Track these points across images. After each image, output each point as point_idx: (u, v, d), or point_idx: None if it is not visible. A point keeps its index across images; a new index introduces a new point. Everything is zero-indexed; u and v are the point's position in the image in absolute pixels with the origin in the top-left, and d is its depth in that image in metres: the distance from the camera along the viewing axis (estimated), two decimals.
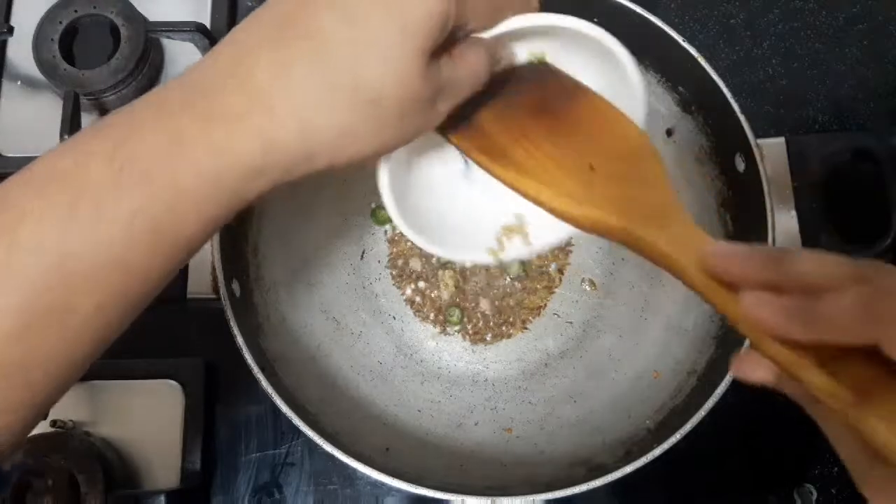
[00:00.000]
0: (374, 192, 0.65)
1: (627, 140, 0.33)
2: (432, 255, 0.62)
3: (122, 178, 0.28)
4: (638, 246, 0.29)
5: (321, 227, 0.62)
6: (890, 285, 0.25)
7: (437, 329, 0.61)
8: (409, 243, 0.62)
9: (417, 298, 0.61)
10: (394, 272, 0.62)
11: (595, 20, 0.59)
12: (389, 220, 0.62)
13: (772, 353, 0.26)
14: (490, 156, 0.32)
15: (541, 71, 0.33)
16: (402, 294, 0.61)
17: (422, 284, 0.61)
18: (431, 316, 0.61)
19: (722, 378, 0.48)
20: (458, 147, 0.36)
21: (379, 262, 0.62)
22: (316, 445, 0.47)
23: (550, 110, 0.33)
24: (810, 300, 0.25)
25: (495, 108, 0.33)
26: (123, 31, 0.65)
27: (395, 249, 0.62)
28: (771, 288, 0.26)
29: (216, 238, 0.51)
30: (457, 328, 0.61)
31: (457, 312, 0.60)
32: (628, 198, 0.29)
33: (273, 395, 0.48)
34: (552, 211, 0.31)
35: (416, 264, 0.61)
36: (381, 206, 0.63)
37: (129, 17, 0.65)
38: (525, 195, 0.31)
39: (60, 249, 0.28)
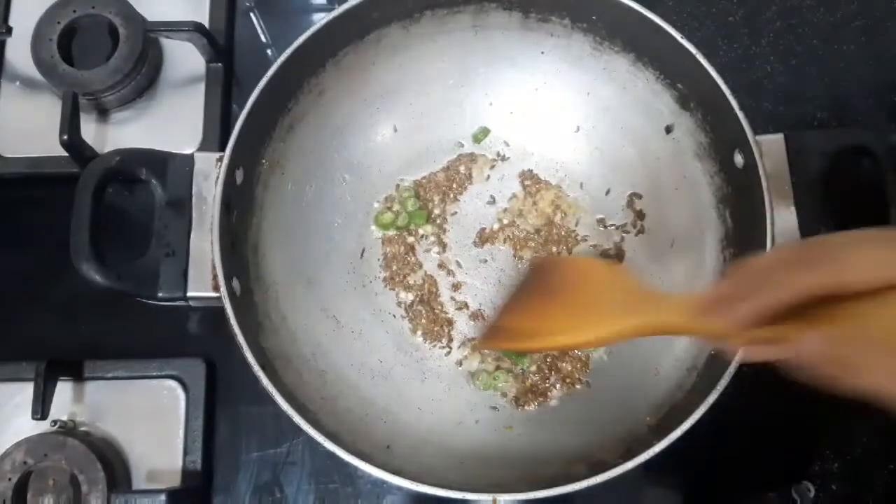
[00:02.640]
0: (373, 192, 0.65)
1: (604, 273, 0.42)
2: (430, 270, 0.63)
3: None
4: (652, 331, 0.37)
5: (321, 226, 0.62)
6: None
7: (435, 344, 0.60)
8: (402, 247, 0.63)
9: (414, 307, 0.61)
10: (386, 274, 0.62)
11: (594, 17, 0.60)
12: (391, 225, 0.62)
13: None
14: (518, 341, 0.42)
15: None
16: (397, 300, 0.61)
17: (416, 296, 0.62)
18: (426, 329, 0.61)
19: (721, 375, 0.48)
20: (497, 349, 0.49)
21: (378, 260, 0.62)
22: (317, 444, 0.47)
23: (546, 288, 0.43)
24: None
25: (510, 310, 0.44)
26: (122, 31, 0.65)
27: (388, 249, 0.62)
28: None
29: (216, 237, 0.51)
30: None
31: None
32: (626, 306, 0.37)
33: (274, 394, 0.48)
34: (577, 346, 0.42)
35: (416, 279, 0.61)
36: (384, 210, 0.63)
37: (127, 17, 0.66)
38: (555, 348, 0.43)
39: None
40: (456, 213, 0.63)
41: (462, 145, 0.65)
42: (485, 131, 0.64)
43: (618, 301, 0.38)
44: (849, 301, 0.31)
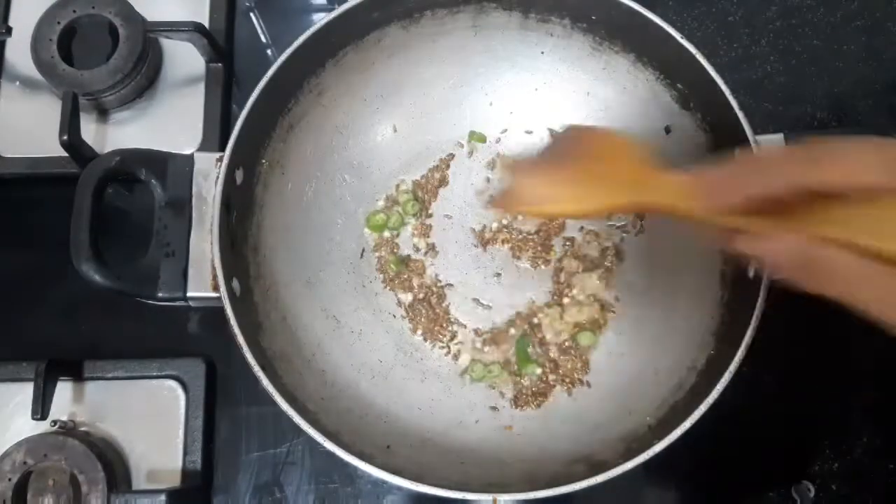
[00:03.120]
0: (373, 192, 0.65)
1: (616, 147, 0.42)
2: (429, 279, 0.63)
3: None
4: (638, 209, 0.41)
5: (321, 226, 0.62)
6: None
7: (435, 344, 0.60)
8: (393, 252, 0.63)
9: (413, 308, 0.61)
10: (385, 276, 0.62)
11: (594, 17, 0.60)
12: (384, 227, 0.62)
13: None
14: (523, 204, 0.42)
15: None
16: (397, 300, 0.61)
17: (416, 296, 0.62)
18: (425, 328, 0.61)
19: (722, 374, 0.48)
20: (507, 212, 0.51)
21: (377, 261, 0.62)
22: (317, 444, 0.47)
23: (562, 156, 0.44)
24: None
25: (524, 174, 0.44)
26: (122, 32, 0.65)
27: (381, 253, 0.62)
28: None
29: (216, 237, 0.51)
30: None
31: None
32: (624, 182, 0.38)
33: (274, 394, 0.48)
34: (580, 215, 0.43)
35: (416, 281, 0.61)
36: (375, 212, 0.63)
37: (127, 17, 0.66)
38: (556, 215, 0.44)
39: None
40: (455, 212, 0.63)
41: (462, 145, 0.65)
42: (481, 137, 0.64)
43: (623, 175, 0.39)
44: (834, 206, 0.32)
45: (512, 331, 0.60)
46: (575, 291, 0.61)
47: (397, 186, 0.64)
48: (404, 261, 0.61)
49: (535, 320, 0.60)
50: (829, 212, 0.32)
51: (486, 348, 0.60)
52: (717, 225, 0.34)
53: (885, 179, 0.30)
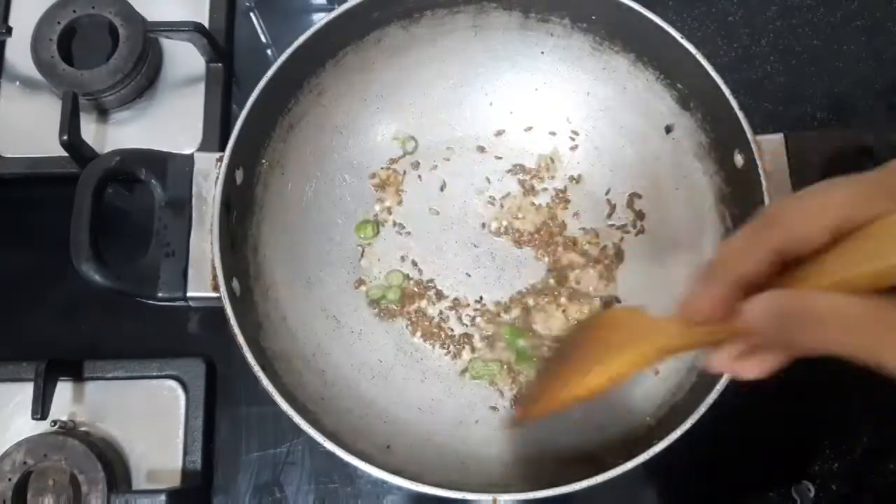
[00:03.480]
0: (373, 192, 0.65)
1: (614, 318, 0.42)
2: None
3: None
4: (649, 361, 0.37)
5: (321, 226, 0.62)
6: None
7: (435, 344, 0.60)
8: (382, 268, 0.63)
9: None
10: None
11: (594, 17, 0.60)
12: (371, 236, 0.62)
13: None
14: (545, 402, 0.42)
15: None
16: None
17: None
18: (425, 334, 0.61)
19: (722, 374, 0.48)
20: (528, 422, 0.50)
21: (379, 260, 0.62)
22: (317, 444, 0.47)
23: (565, 351, 0.45)
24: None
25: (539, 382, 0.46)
26: (122, 32, 0.65)
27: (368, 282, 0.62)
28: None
29: (216, 237, 0.51)
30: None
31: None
32: (637, 341, 0.38)
33: (274, 394, 0.48)
34: (595, 387, 0.39)
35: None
36: (365, 221, 0.62)
37: (127, 17, 0.66)
38: (576, 396, 0.40)
39: None
40: (455, 212, 0.63)
41: (462, 145, 0.65)
42: (481, 137, 0.65)
43: (627, 336, 0.38)
44: (809, 262, 0.30)
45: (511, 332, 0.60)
46: (575, 286, 0.60)
47: (397, 187, 0.64)
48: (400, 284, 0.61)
49: (534, 318, 0.60)
50: (810, 264, 0.30)
51: (486, 346, 0.59)
52: (726, 337, 0.33)
53: (836, 225, 0.28)
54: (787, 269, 0.30)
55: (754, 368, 0.32)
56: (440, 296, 0.61)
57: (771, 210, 0.31)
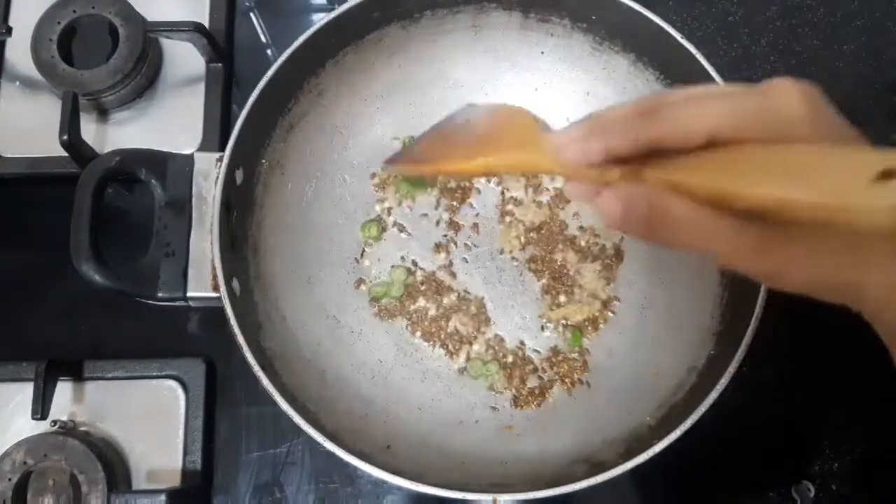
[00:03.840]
0: (373, 192, 0.65)
1: (514, 118, 0.44)
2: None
3: None
4: (517, 168, 0.40)
5: (321, 226, 0.62)
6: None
7: (435, 344, 0.60)
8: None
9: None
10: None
11: (594, 17, 0.60)
12: (375, 236, 0.62)
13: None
14: (419, 166, 0.44)
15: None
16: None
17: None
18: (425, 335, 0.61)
19: (722, 374, 0.48)
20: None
21: (379, 260, 0.62)
22: (317, 444, 0.47)
23: (455, 128, 0.46)
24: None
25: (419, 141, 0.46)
26: (122, 32, 0.65)
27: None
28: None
29: (216, 237, 0.51)
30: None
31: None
32: (507, 146, 0.41)
33: (274, 394, 0.48)
34: (466, 173, 0.43)
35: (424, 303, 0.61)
36: (370, 221, 0.62)
37: (127, 17, 0.66)
38: (443, 172, 0.43)
39: None
40: (454, 212, 0.63)
41: None
42: None
43: (510, 139, 0.41)
44: (688, 156, 0.32)
45: (510, 333, 0.60)
46: (575, 289, 0.61)
47: (396, 188, 0.64)
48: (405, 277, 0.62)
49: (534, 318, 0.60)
50: (681, 160, 0.32)
51: (484, 346, 0.59)
52: (583, 178, 0.35)
53: (729, 129, 0.30)
54: (652, 153, 0.33)
55: (609, 203, 0.34)
56: (440, 295, 0.61)
57: (657, 101, 0.32)
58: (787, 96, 0.30)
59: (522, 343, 0.60)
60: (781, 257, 0.31)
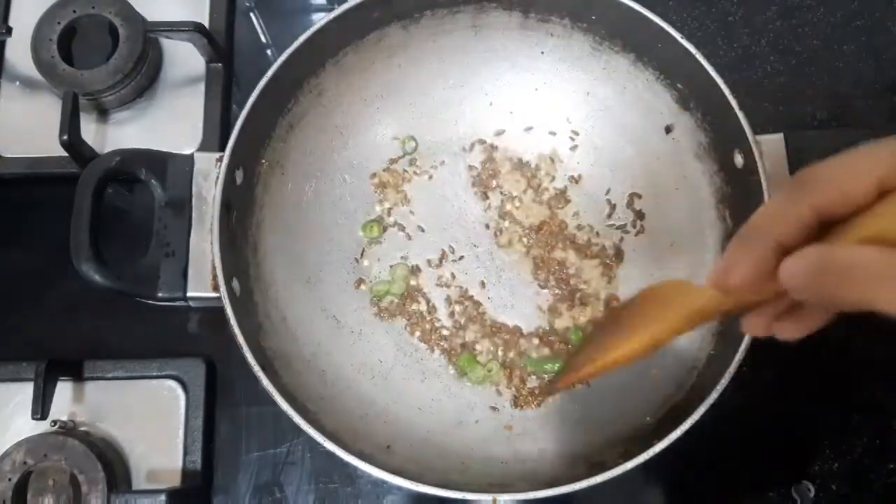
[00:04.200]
0: (373, 192, 0.65)
1: (662, 290, 0.41)
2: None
3: None
4: (684, 326, 0.37)
5: (321, 226, 0.62)
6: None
7: (434, 345, 0.60)
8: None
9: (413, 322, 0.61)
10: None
11: (594, 17, 0.60)
12: (377, 236, 0.62)
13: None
14: (580, 374, 0.43)
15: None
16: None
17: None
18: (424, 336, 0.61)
19: (722, 374, 0.48)
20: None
21: (379, 260, 0.62)
22: (317, 444, 0.47)
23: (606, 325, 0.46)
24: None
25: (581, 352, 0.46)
26: (122, 32, 0.65)
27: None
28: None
29: (216, 237, 0.51)
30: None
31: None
32: (664, 313, 0.38)
33: (274, 394, 0.48)
34: (629, 354, 0.39)
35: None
36: (371, 221, 0.62)
37: (127, 17, 0.66)
38: (612, 364, 0.40)
39: None
40: (454, 212, 0.63)
41: (462, 145, 0.65)
42: (481, 139, 0.65)
43: (666, 303, 0.38)
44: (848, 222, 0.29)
45: (509, 332, 0.60)
46: (576, 284, 0.61)
47: (397, 188, 0.64)
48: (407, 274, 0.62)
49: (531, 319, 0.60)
50: (860, 219, 0.29)
51: (484, 346, 0.59)
52: (760, 300, 0.32)
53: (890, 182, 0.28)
54: (824, 232, 0.29)
55: (793, 329, 0.32)
56: (440, 294, 0.61)
57: (807, 172, 0.30)
58: None
59: (522, 342, 0.60)
60: None
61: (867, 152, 0.29)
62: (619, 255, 0.62)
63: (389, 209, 0.63)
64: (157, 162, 0.55)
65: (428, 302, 0.61)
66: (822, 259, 0.28)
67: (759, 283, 0.30)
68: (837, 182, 0.29)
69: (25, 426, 0.57)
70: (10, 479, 0.54)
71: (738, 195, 0.55)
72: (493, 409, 0.58)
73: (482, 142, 0.65)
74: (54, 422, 0.58)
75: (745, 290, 0.31)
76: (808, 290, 0.28)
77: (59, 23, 0.65)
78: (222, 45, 0.69)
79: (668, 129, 0.60)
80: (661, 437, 0.47)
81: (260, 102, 0.54)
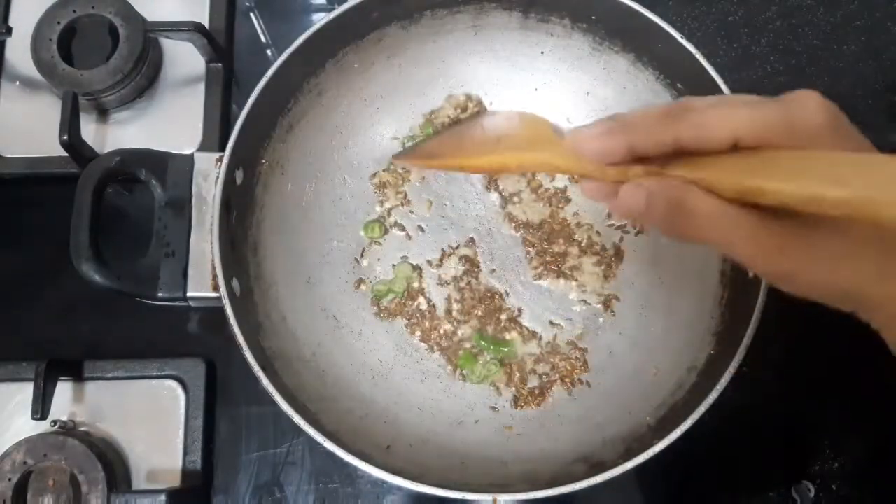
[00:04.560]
0: (373, 192, 0.65)
1: (530, 121, 0.44)
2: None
3: None
4: (532, 165, 0.42)
5: (321, 226, 0.62)
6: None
7: (434, 345, 0.60)
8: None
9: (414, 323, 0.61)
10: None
11: (594, 17, 0.60)
12: (379, 236, 0.62)
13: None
14: (431, 161, 0.47)
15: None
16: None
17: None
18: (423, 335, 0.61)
19: (722, 374, 0.48)
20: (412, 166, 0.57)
21: (379, 260, 0.62)
22: (317, 444, 0.47)
23: (470, 130, 0.48)
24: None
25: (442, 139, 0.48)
26: (122, 31, 0.65)
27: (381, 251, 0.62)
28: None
29: (216, 237, 0.51)
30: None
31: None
32: (522, 145, 0.42)
33: (274, 394, 0.48)
34: (478, 167, 0.44)
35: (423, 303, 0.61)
36: (373, 221, 0.62)
37: (127, 17, 0.66)
38: (461, 168, 0.45)
39: None
40: (454, 213, 0.63)
41: None
42: None
43: (525, 140, 0.42)
44: (709, 156, 0.33)
45: (508, 332, 0.60)
46: (575, 285, 0.61)
47: (397, 189, 0.64)
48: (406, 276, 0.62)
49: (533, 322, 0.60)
50: (704, 160, 0.33)
51: (483, 349, 0.59)
52: (603, 177, 0.36)
53: (753, 136, 0.31)
54: (674, 155, 0.33)
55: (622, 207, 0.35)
56: (440, 294, 0.61)
57: (684, 103, 0.33)
58: (808, 107, 0.31)
59: (522, 342, 0.60)
60: (801, 258, 0.32)
61: (731, 105, 0.32)
62: (619, 254, 0.62)
63: (390, 209, 0.63)
64: (157, 162, 0.55)
65: (428, 301, 0.61)
66: (670, 197, 0.33)
67: (602, 167, 0.35)
68: (698, 125, 0.32)
69: (25, 426, 0.57)
70: (10, 479, 0.54)
71: None
72: (493, 409, 0.58)
73: None
74: (54, 422, 0.58)
75: (590, 164, 0.35)
76: (653, 221, 0.34)
77: (59, 23, 0.65)
78: (222, 45, 0.69)
79: None
80: (661, 437, 0.47)
81: (260, 102, 0.54)
